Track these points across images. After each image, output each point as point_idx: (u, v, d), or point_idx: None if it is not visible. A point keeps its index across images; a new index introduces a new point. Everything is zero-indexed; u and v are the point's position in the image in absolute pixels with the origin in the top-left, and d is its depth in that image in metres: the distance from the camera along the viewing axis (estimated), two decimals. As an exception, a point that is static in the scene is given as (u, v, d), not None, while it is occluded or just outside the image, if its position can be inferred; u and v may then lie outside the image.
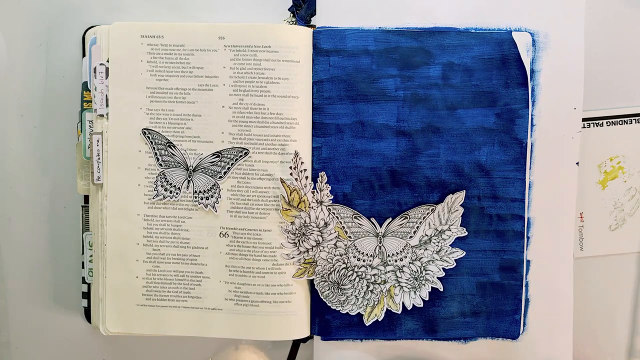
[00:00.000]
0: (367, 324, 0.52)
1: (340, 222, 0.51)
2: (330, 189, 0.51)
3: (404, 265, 0.52)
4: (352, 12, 0.52)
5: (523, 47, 0.51)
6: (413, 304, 0.52)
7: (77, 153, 0.53)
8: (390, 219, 0.51)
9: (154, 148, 0.51)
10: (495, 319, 0.52)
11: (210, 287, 0.52)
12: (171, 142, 0.51)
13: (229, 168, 0.51)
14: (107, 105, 0.51)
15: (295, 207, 0.51)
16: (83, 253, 0.53)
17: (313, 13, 0.52)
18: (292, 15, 0.53)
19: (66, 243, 0.55)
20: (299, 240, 0.51)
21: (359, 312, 0.52)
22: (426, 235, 0.51)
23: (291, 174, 0.50)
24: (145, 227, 0.52)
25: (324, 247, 0.51)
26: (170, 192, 0.51)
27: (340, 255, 0.51)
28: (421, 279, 0.52)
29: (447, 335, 0.53)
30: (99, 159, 0.51)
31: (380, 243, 0.51)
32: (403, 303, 0.52)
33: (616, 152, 0.54)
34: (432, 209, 0.51)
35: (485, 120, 0.51)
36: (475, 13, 0.52)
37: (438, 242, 0.51)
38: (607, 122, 0.53)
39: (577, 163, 0.52)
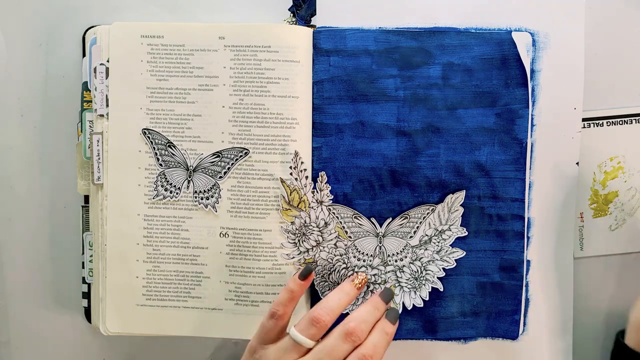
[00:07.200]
0: (367, 324, 0.52)
1: (340, 222, 0.51)
2: (330, 188, 0.51)
3: (404, 265, 0.52)
4: (352, 12, 0.52)
5: (523, 47, 0.51)
6: (413, 304, 0.52)
7: (77, 153, 0.53)
8: (391, 219, 0.51)
9: (154, 148, 0.51)
10: (495, 319, 0.52)
11: (211, 287, 0.52)
12: (171, 142, 0.51)
13: (229, 168, 0.51)
14: (107, 105, 0.51)
15: (295, 207, 0.51)
16: (83, 253, 0.53)
17: (313, 13, 0.52)
18: (292, 15, 0.53)
19: (66, 243, 0.55)
20: (299, 240, 0.51)
21: (359, 312, 0.52)
22: (426, 235, 0.51)
23: (291, 173, 0.50)
24: (145, 227, 0.52)
25: (324, 247, 0.51)
26: (170, 192, 0.51)
27: (341, 255, 0.51)
28: (421, 279, 0.52)
29: (447, 335, 0.53)
30: (99, 159, 0.51)
31: (380, 243, 0.51)
32: (403, 303, 0.52)
33: (616, 152, 0.54)
34: (432, 209, 0.51)
35: (485, 120, 0.51)
36: (475, 13, 0.52)
37: (438, 242, 0.51)
38: (607, 122, 0.53)
39: (577, 163, 0.52)
